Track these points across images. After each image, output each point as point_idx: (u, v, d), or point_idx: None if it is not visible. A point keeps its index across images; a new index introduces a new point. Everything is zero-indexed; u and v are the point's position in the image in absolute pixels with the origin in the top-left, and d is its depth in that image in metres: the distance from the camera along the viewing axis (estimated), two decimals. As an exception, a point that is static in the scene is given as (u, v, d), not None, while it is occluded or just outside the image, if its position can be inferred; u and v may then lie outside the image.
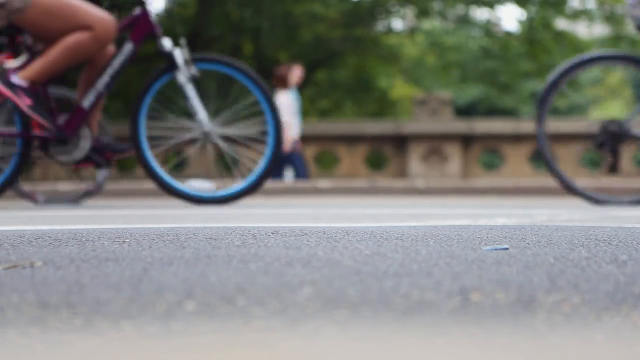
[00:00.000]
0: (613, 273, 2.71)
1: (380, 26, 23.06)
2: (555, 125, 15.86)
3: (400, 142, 14.97)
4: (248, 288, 2.44)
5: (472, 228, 4.31)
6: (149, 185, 13.35)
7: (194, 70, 8.61)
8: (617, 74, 46.68)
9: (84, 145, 8.26)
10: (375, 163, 16.36)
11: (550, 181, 14.38)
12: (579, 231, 4.01)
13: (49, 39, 7.93)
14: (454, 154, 14.78)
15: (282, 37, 20.31)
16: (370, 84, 25.33)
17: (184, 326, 2.11)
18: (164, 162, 15.34)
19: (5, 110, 8.65)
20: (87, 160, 8.35)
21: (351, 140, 15.08)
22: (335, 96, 25.66)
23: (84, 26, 7.85)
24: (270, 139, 8.49)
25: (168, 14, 23.46)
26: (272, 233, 3.80)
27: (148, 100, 8.74)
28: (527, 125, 15.46)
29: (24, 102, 7.87)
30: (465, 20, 22.10)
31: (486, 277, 2.59)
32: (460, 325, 2.12)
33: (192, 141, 9.26)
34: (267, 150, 8.50)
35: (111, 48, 8.39)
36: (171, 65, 8.65)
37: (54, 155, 8.30)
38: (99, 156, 8.39)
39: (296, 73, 12.97)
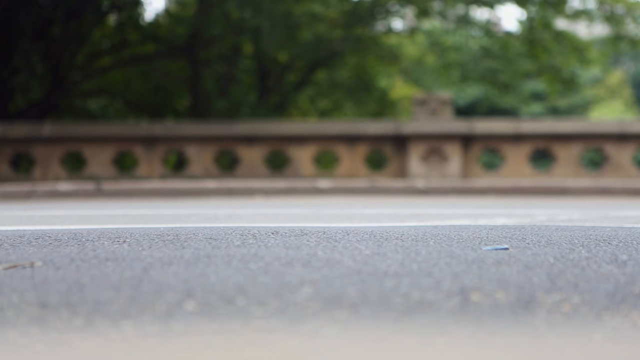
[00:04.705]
0: (613, 273, 2.71)
1: (380, 26, 23.03)
2: (555, 125, 15.86)
3: (400, 142, 14.96)
4: (248, 288, 2.44)
5: (472, 228, 4.31)
6: (149, 185, 13.34)
7: None
8: (617, 74, 46.64)
9: None
10: (375, 163, 16.34)
11: (550, 181, 14.37)
12: (579, 231, 4.01)
13: None
14: (454, 154, 14.77)
15: (282, 37, 20.28)
16: (370, 84, 25.30)
17: (184, 326, 2.10)
18: (165, 161, 15.36)
19: None
20: None
21: (351, 140, 15.07)
22: (335, 96, 25.63)
23: None
24: None
25: (168, 14, 23.45)
26: (272, 233, 3.80)
27: None
28: (527, 125, 15.43)
29: None
30: (465, 20, 22.07)
31: (486, 277, 2.59)
32: (460, 325, 2.12)
33: None
34: None
35: None
36: None
37: None
38: None
39: None
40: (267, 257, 2.98)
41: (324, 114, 26.34)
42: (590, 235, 3.77)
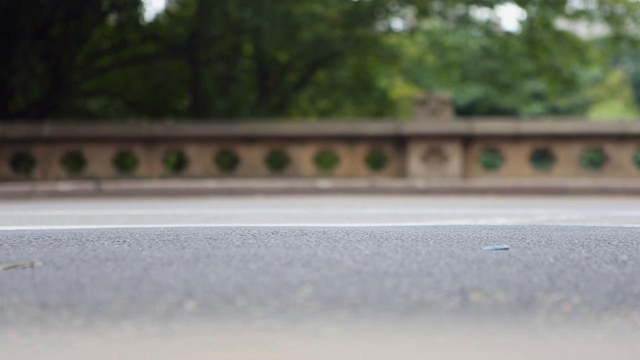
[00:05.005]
0: (613, 273, 2.71)
1: (380, 26, 23.03)
2: (555, 125, 15.85)
3: (400, 142, 14.96)
4: (248, 288, 2.44)
5: (472, 228, 4.31)
6: (149, 185, 13.34)
7: None
8: (617, 74, 46.63)
9: None
10: (375, 163, 16.34)
11: (550, 181, 14.36)
12: (579, 231, 4.01)
13: None
14: (454, 154, 14.77)
15: (282, 37, 20.28)
16: (370, 84, 25.30)
17: (184, 326, 2.10)
18: (165, 161, 15.36)
19: None
20: None
21: (351, 140, 15.07)
22: (335, 96, 25.64)
23: None
24: None
25: (168, 14, 23.45)
26: (272, 233, 3.80)
27: None
28: (527, 125, 15.44)
29: None
30: (465, 20, 22.07)
31: (486, 277, 2.59)
32: (460, 325, 2.12)
33: None
34: None
35: None
36: None
37: None
38: None
39: None
40: (267, 257, 2.98)
41: (324, 114, 26.33)
42: (590, 235, 3.77)
